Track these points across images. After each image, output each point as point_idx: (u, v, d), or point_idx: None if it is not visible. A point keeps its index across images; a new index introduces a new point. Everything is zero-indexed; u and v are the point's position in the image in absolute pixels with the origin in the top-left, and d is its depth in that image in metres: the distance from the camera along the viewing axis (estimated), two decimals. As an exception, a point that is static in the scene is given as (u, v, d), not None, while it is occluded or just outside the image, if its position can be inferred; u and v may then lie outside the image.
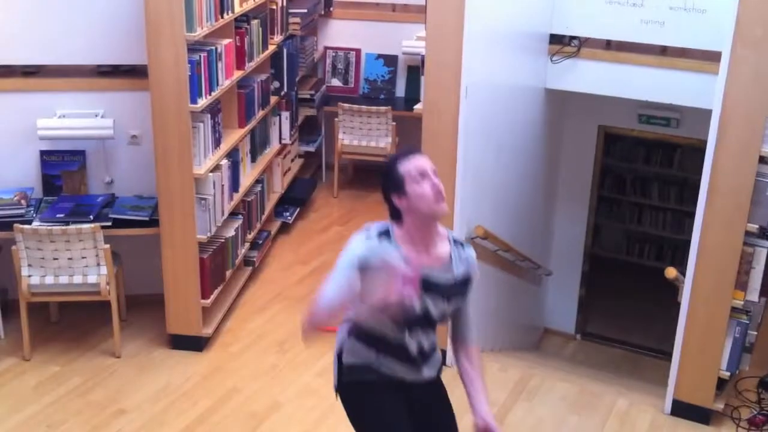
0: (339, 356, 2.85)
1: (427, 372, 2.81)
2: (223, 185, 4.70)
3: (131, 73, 4.72)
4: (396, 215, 2.67)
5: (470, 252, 2.78)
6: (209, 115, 4.49)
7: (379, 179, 2.71)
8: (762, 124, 3.73)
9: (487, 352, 5.09)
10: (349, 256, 2.62)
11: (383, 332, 2.70)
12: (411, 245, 2.64)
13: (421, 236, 2.65)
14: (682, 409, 4.25)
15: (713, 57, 3.91)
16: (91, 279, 4.37)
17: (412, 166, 2.61)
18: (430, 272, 2.64)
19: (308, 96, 6.76)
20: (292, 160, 6.55)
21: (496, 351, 5.29)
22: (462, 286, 2.74)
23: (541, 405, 4.37)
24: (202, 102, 4.34)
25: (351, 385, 2.83)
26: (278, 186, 6.10)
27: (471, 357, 2.85)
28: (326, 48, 7.28)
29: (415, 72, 7.04)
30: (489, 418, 2.73)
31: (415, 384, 2.81)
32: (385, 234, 2.66)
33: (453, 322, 2.86)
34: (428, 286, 2.64)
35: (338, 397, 2.91)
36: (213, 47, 4.47)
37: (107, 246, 4.34)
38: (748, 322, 4.08)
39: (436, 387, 2.90)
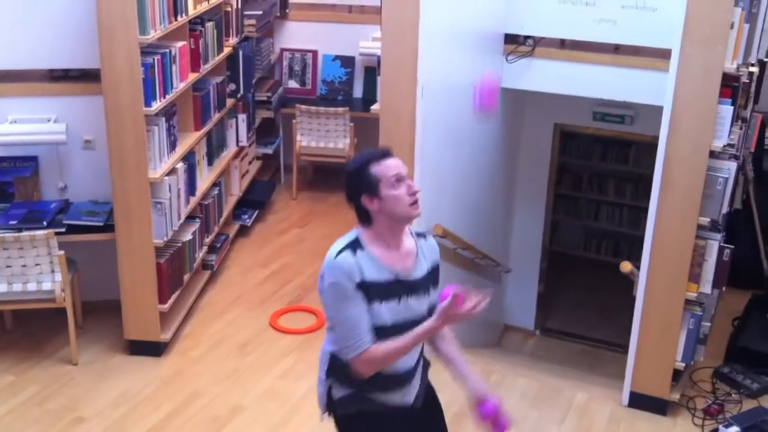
0: (328, 387, 2.75)
1: (418, 383, 2.80)
2: (179, 189, 4.66)
3: (84, 77, 4.66)
4: (364, 217, 2.62)
5: (432, 240, 2.80)
6: (164, 119, 4.44)
7: (340, 180, 2.68)
8: (712, 119, 3.81)
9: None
10: (342, 285, 2.53)
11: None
12: (383, 247, 2.62)
13: (392, 237, 2.63)
14: (639, 401, 4.32)
15: (665, 55, 3.96)
16: (46, 286, 4.30)
17: (386, 168, 2.56)
18: (409, 273, 2.64)
19: (265, 98, 6.73)
20: (250, 163, 6.52)
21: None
22: (433, 275, 2.74)
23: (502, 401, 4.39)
24: (157, 105, 4.30)
25: (349, 418, 2.75)
26: (236, 189, 6.06)
27: (446, 337, 2.83)
28: (283, 50, 7.26)
29: (372, 73, 7.06)
30: (484, 389, 2.75)
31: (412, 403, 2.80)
32: (355, 244, 2.60)
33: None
34: (412, 287, 2.64)
35: (335, 422, 2.83)
36: (167, 50, 4.43)
37: (61, 252, 4.27)
38: (701, 313, 4.16)
39: (429, 395, 2.90)
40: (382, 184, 2.55)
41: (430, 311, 2.67)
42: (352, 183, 2.60)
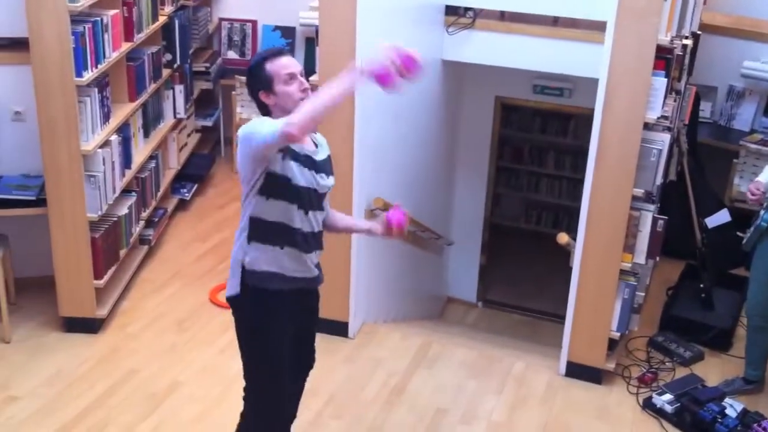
0: (242, 264, 2.89)
1: (315, 260, 3.00)
2: (113, 161, 4.55)
3: (13, 46, 4.47)
4: (264, 111, 2.84)
5: (320, 135, 3.00)
6: (96, 89, 4.32)
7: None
8: (646, 91, 3.84)
9: (389, 322, 5.13)
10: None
11: (286, 221, 2.81)
12: None
13: None
14: (575, 370, 4.39)
15: (601, 27, 3.98)
16: (-25, 262, 4.18)
17: (280, 66, 2.77)
18: (314, 152, 2.87)
19: (203, 69, 6.60)
20: (189, 135, 6.40)
21: (399, 321, 5.35)
22: (330, 162, 3.00)
23: (441, 371, 4.44)
24: (88, 75, 4.18)
25: (256, 291, 2.89)
26: (174, 162, 5.95)
27: (335, 213, 3.15)
28: (221, 19, 7.12)
29: (312, 44, 6.97)
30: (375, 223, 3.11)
31: (309, 292, 3.06)
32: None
33: None
34: (318, 165, 2.87)
35: (235, 304, 2.99)
36: (98, 18, 4.31)
37: (-9, 227, 4.15)
38: (636, 283, 4.23)
39: (316, 299, 3.18)
40: (276, 80, 2.77)
41: (325, 195, 2.98)
42: (251, 79, 2.83)
